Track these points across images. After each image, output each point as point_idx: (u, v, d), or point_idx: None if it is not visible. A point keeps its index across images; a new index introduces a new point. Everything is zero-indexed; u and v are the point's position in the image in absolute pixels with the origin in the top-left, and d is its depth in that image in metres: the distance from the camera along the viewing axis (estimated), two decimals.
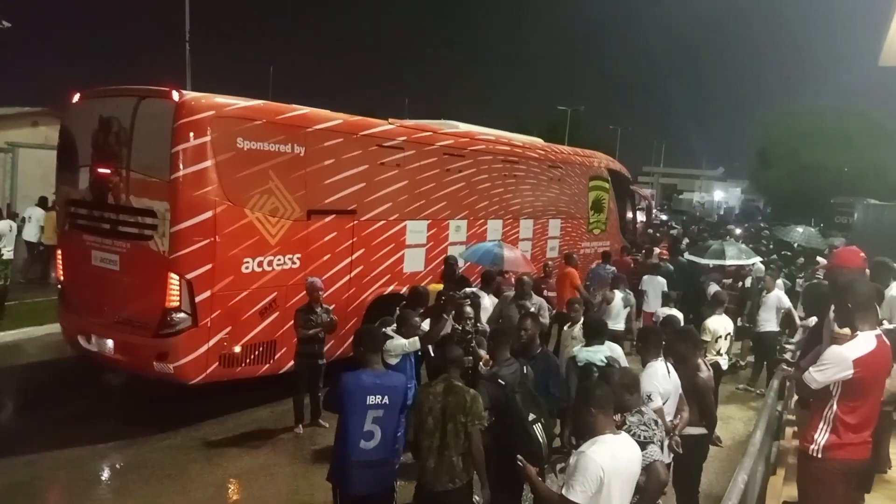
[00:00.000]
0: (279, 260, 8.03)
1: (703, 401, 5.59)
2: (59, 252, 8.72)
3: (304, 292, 7.83)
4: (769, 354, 10.39)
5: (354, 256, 9.07)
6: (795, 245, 18.60)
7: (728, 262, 12.70)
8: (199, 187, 7.25)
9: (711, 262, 12.72)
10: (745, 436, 7.91)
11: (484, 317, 8.27)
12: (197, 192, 7.23)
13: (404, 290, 9.59)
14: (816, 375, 4.19)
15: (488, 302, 8.76)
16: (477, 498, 5.09)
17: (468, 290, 9.16)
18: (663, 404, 5.09)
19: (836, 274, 6.15)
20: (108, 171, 7.67)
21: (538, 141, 14.44)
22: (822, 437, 4.22)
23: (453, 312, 7.37)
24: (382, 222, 9.49)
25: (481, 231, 11.56)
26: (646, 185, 56.24)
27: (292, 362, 7.95)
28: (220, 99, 7.64)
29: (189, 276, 7.21)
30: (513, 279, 9.80)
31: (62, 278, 8.59)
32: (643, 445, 3.98)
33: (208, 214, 7.28)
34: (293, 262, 8.20)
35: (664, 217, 41.46)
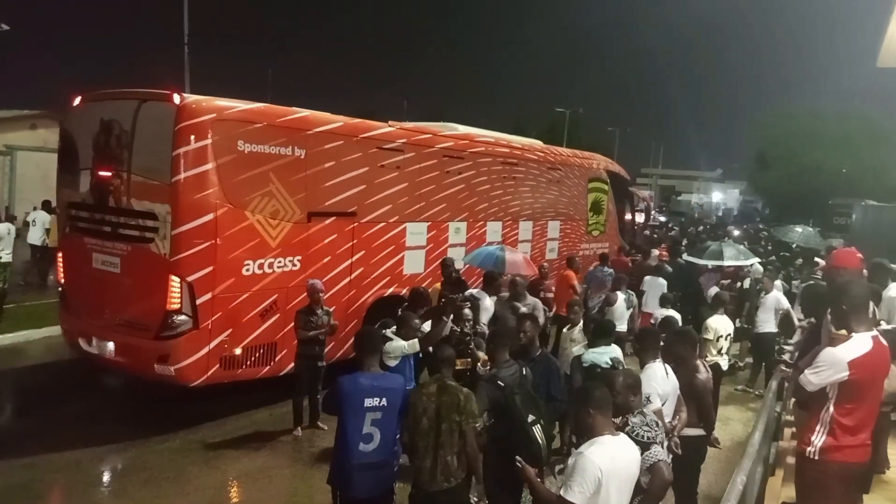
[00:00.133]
0: (280, 262, 8.06)
1: (702, 402, 5.59)
2: (60, 255, 8.73)
3: (305, 294, 7.86)
4: (767, 355, 10.43)
5: (354, 258, 9.10)
6: (794, 246, 18.62)
7: (726, 263, 12.73)
8: (200, 190, 7.27)
9: (710, 263, 12.75)
10: (743, 437, 7.94)
11: (486, 318, 8.30)
12: (198, 195, 7.26)
13: (404, 291, 9.63)
14: (811, 378, 4.17)
15: (489, 303, 8.79)
16: (475, 499, 5.13)
17: (470, 291, 9.20)
18: (662, 406, 5.10)
19: (833, 275, 6.17)
20: (109, 173, 7.69)
21: (537, 143, 14.48)
22: (818, 439, 4.19)
23: (452, 315, 7.40)
24: (382, 224, 9.52)
25: (481, 233, 11.60)
26: (644, 186, 56.26)
27: (292, 364, 7.97)
28: (221, 102, 7.66)
29: (190, 279, 7.24)
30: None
31: (63, 281, 8.61)
32: (647, 446, 4.00)
33: (209, 217, 7.31)
34: (294, 265, 8.23)
35: (662, 218, 41.48)
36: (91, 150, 7.90)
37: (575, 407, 4.00)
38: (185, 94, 7.48)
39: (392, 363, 6.32)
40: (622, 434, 3.79)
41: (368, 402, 4.48)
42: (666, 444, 4.64)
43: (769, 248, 20.32)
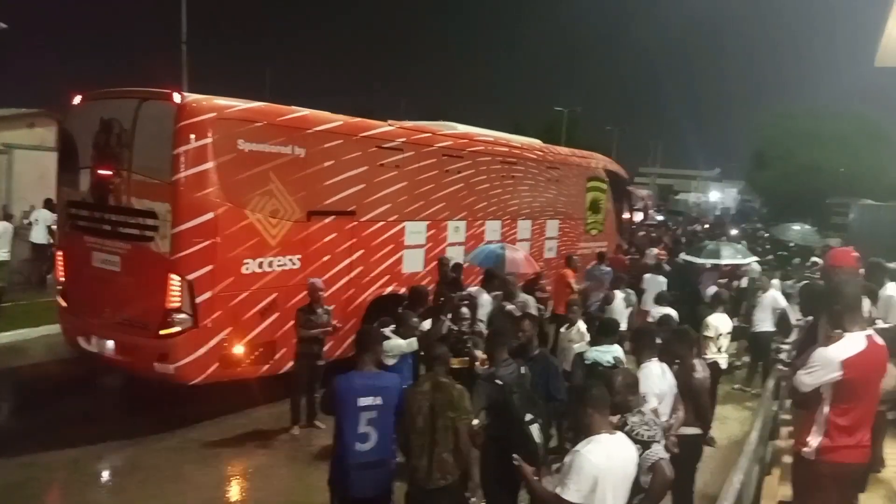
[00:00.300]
0: (279, 261, 8.08)
1: (699, 401, 5.61)
2: (60, 253, 8.74)
3: (304, 293, 7.88)
4: (764, 354, 10.46)
5: (354, 257, 9.12)
6: (791, 244, 18.66)
7: (724, 262, 12.76)
8: (200, 189, 7.29)
9: (708, 262, 12.78)
10: (740, 436, 7.94)
11: (482, 314, 8.34)
12: (198, 194, 7.28)
13: (403, 290, 9.66)
14: (805, 378, 4.17)
15: (486, 299, 8.87)
16: (474, 499, 5.14)
17: (471, 289, 9.25)
18: (658, 405, 5.11)
19: (830, 274, 6.18)
20: (109, 172, 7.71)
21: (536, 142, 14.50)
22: (815, 439, 4.19)
23: (450, 313, 7.43)
24: (382, 223, 9.54)
25: (480, 232, 11.63)
26: (643, 185, 56.31)
27: (292, 363, 7.99)
28: (221, 101, 7.69)
29: (190, 277, 7.26)
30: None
31: (63, 279, 8.62)
32: (647, 445, 4.01)
33: (209, 216, 7.33)
34: (293, 263, 8.25)
35: (660, 217, 41.52)
36: (91, 149, 7.91)
37: (573, 405, 4.03)
38: (185, 93, 7.50)
39: (391, 362, 6.36)
40: (619, 433, 3.80)
41: (363, 402, 4.48)
42: (662, 443, 4.67)
43: (767, 247, 20.38)
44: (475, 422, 4.79)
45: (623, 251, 16.15)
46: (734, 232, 25.44)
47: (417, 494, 4.62)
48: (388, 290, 9.77)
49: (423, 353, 6.65)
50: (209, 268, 7.38)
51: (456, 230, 11.06)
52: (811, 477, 4.31)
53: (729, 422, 9.18)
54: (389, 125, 9.94)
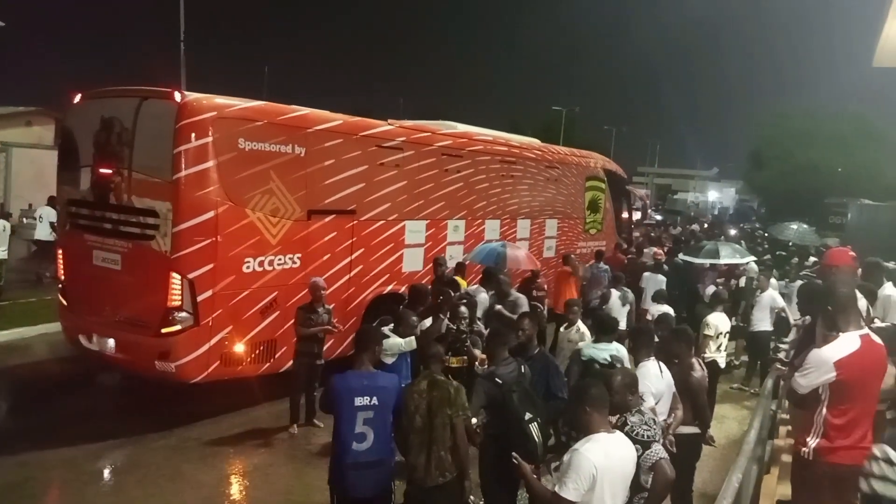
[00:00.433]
0: (280, 259, 8.10)
1: (697, 400, 5.62)
2: (60, 252, 8.75)
3: (305, 291, 7.91)
4: (763, 354, 10.50)
5: (354, 256, 9.14)
6: (789, 243, 18.67)
7: (723, 262, 12.80)
8: (201, 187, 7.31)
9: (707, 262, 12.81)
10: (739, 435, 7.97)
11: (480, 311, 8.35)
12: (199, 193, 7.30)
13: (403, 289, 9.68)
14: (800, 380, 4.17)
15: (484, 297, 8.91)
16: (472, 498, 5.16)
17: (469, 288, 9.27)
18: (655, 404, 5.11)
19: (827, 273, 6.21)
20: (109, 171, 7.72)
21: (535, 141, 14.51)
22: (813, 440, 4.19)
23: (448, 312, 7.43)
24: (382, 222, 9.56)
25: (479, 231, 11.65)
26: (641, 185, 56.37)
27: (292, 361, 8.01)
28: (222, 100, 7.70)
29: (191, 276, 7.27)
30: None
31: (63, 278, 8.63)
32: (647, 445, 4.02)
33: (210, 214, 7.35)
34: (293, 262, 8.27)
35: (658, 217, 41.55)
36: (92, 148, 7.92)
37: (571, 404, 4.04)
38: (185, 92, 7.51)
39: (389, 360, 6.34)
40: (618, 432, 3.82)
41: (359, 402, 4.48)
42: (660, 442, 4.68)
43: (766, 246, 20.39)
44: (474, 420, 4.81)
45: (623, 250, 16.17)
46: (733, 232, 25.46)
47: (416, 493, 4.64)
48: (388, 288, 9.79)
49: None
50: (210, 266, 7.39)
51: (455, 229, 11.08)
52: (809, 477, 4.31)
53: (727, 421, 9.21)
54: (389, 124, 9.96)
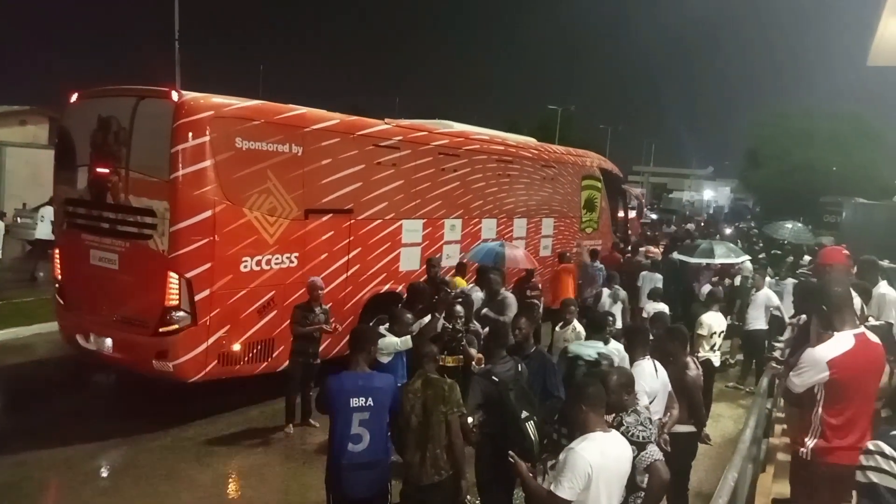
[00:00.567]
0: (277, 259, 8.11)
1: (692, 399, 5.63)
2: (57, 251, 8.73)
3: (302, 291, 7.91)
4: (758, 352, 10.53)
5: (351, 255, 9.15)
6: (784, 242, 18.70)
7: (717, 261, 12.84)
8: (199, 187, 7.31)
9: (703, 262, 12.85)
10: (734, 434, 8.00)
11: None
12: (196, 192, 7.30)
13: (400, 288, 9.70)
14: (795, 380, 4.17)
15: (480, 296, 8.93)
16: (469, 497, 5.18)
17: (464, 288, 9.28)
18: (650, 403, 5.09)
19: (822, 272, 6.22)
20: (107, 170, 7.71)
21: (531, 140, 14.54)
22: (811, 441, 4.17)
23: (444, 312, 7.44)
24: (379, 221, 9.57)
25: (476, 230, 11.67)
26: (636, 184, 56.44)
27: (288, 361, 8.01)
28: (219, 99, 7.71)
29: (188, 275, 7.28)
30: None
31: (60, 277, 8.62)
32: (642, 446, 4.00)
33: (207, 214, 7.35)
34: (291, 261, 8.28)
35: (654, 216, 41.65)
36: (89, 147, 7.92)
37: (568, 403, 4.05)
38: (183, 92, 7.50)
39: (385, 360, 6.35)
40: (614, 431, 3.82)
41: (354, 403, 4.47)
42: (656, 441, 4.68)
43: (760, 244, 20.45)
44: (470, 420, 4.82)
45: (619, 249, 16.23)
46: (728, 231, 25.53)
47: (412, 491, 4.65)
48: (385, 287, 9.80)
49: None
50: (207, 265, 7.40)
51: (452, 228, 11.10)
52: (808, 478, 4.31)
53: (723, 419, 9.24)
54: (386, 124, 9.97)
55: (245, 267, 7.77)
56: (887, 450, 3.29)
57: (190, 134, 7.25)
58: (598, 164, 16.75)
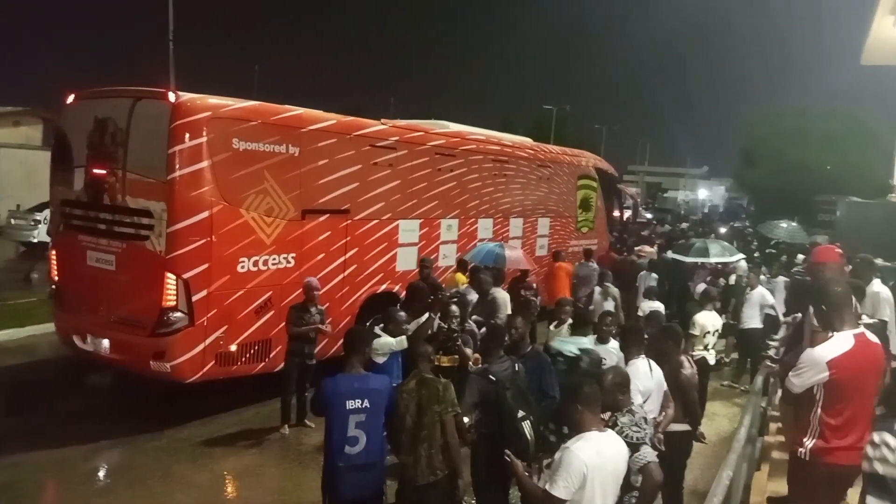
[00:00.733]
0: (274, 259, 8.12)
1: (687, 397, 5.65)
2: (54, 252, 8.73)
3: (299, 291, 7.93)
4: (753, 351, 10.57)
5: (348, 255, 9.17)
6: (777, 241, 18.73)
7: (713, 260, 12.89)
8: (196, 188, 7.32)
9: (699, 261, 12.89)
10: (729, 432, 8.02)
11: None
12: (193, 193, 7.31)
13: (397, 288, 9.72)
14: (794, 380, 4.15)
15: (475, 297, 8.92)
16: (465, 497, 5.20)
17: (459, 288, 9.30)
18: (644, 402, 5.09)
19: (815, 270, 6.25)
20: (103, 171, 7.72)
21: (527, 140, 14.58)
22: (810, 441, 4.16)
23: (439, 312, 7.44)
24: (375, 221, 9.60)
25: (472, 230, 11.70)
26: (631, 183, 56.50)
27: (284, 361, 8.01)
28: (216, 100, 7.72)
29: (186, 276, 7.29)
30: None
31: (57, 278, 8.61)
32: (636, 447, 4.01)
33: (205, 214, 7.36)
34: (288, 262, 8.29)
35: (649, 215, 41.72)
36: (85, 148, 7.92)
37: (563, 402, 4.06)
38: (179, 93, 7.52)
39: (380, 360, 6.35)
40: (610, 430, 3.84)
41: (351, 405, 4.46)
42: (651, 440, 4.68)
43: (755, 244, 20.50)
44: (466, 420, 4.83)
45: (616, 249, 16.30)
46: (723, 230, 25.57)
47: (408, 491, 4.66)
48: (382, 288, 9.82)
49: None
50: (204, 266, 7.41)
51: (449, 228, 11.13)
52: (806, 478, 4.30)
53: (718, 418, 9.27)
54: (382, 124, 9.99)
55: (242, 267, 7.78)
56: (892, 441, 3.35)
57: (187, 135, 7.26)
58: (593, 163, 16.79)
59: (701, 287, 11.05)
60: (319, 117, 8.82)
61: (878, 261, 8.31)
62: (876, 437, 3.54)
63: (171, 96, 7.37)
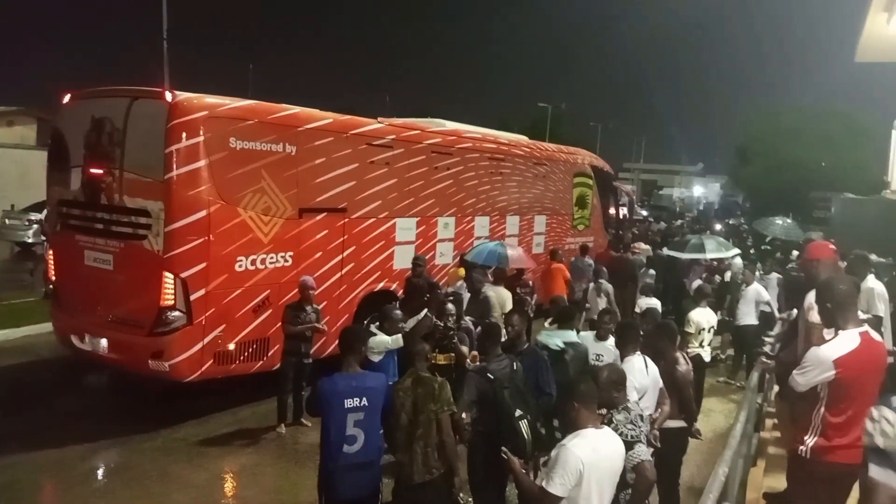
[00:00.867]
0: (272, 258, 8.14)
1: (682, 394, 5.66)
2: (51, 252, 8.74)
3: (296, 290, 7.94)
4: (749, 348, 10.61)
5: (345, 254, 9.19)
6: (772, 237, 18.78)
7: (709, 256, 12.94)
8: (193, 187, 7.34)
9: (695, 257, 12.93)
10: (725, 428, 8.07)
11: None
12: (191, 192, 7.32)
13: (395, 286, 9.74)
14: (798, 378, 4.10)
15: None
16: (461, 495, 5.22)
17: (455, 286, 9.32)
18: (639, 399, 5.10)
19: (809, 267, 6.25)
20: (101, 171, 7.72)
21: (523, 138, 14.60)
22: (811, 439, 4.13)
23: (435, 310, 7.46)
24: (372, 220, 9.62)
25: (469, 228, 11.73)
26: (627, 181, 56.58)
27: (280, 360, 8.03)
28: (213, 99, 7.73)
29: (184, 275, 7.30)
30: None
31: (54, 278, 8.62)
32: (630, 445, 4.01)
33: (202, 214, 7.38)
34: (285, 260, 8.31)
35: (644, 213, 41.80)
36: (82, 148, 7.92)
37: (560, 400, 4.08)
38: (176, 92, 7.52)
39: (376, 358, 6.36)
40: (606, 427, 3.85)
41: (349, 403, 4.45)
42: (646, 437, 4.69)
43: (750, 241, 20.57)
44: (463, 416, 4.85)
45: (613, 246, 16.36)
46: (718, 227, 25.64)
47: (403, 490, 4.68)
48: (380, 286, 9.85)
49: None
50: (202, 265, 7.42)
51: (445, 226, 11.16)
52: (806, 477, 4.29)
53: (714, 414, 9.31)
54: (379, 122, 10.01)
55: (240, 266, 7.80)
56: (891, 416, 3.43)
57: (184, 134, 7.27)
58: (589, 161, 16.82)
59: (696, 283, 11.11)
60: (316, 116, 8.83)
61: (873, 257, 8.36)
62: (875, 412, 3.59)
63: (168, 96, 7.37)
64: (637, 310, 9.98)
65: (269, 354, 8.21)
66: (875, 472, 3.63)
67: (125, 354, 7.73)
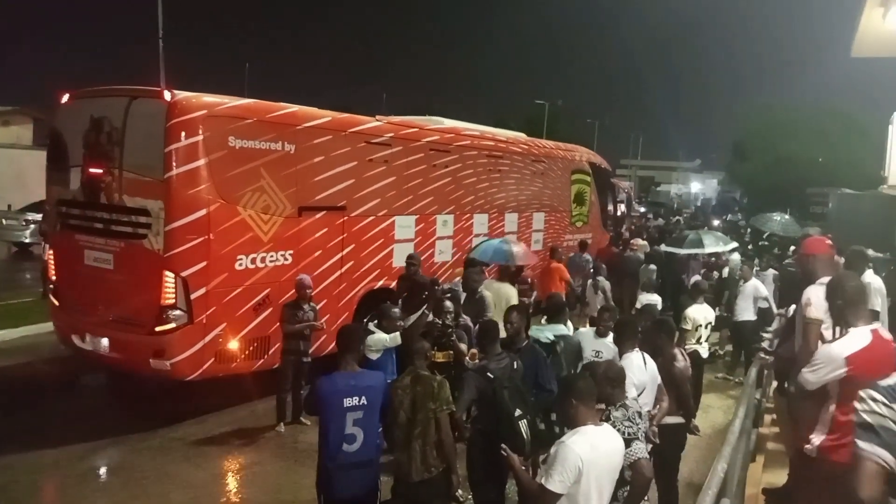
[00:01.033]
0: (272, 256, 8.16)
1: (680, 390, 5.69)
2: (51, 252, 8.74)
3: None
4: (747, 343, 10.63)
5: (345, 252, 9.21)
6: (769, 233, 18.82)
7: (707, 251, 12.95)
8: (193, 186, 7.35)
9: (693, 252, 12.96)
10: (724, 424, 8.07)
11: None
12: (190, 191, 7.34)
13: (394, 284, 9.76)
14: (809, 376, 4.05)
15: None
16: (460, 492, 5.25)
17: (452, 283, 9.34)
18: (638, 395, 5.10)
19: (805, 262, 6.27)
20: (100, 170, 7.73)
21: (521, 136, 14.62)
22: (818, 438, 4.08)
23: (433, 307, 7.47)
24: (371, 218, 9.64)
25: (468, 225, 11.75)
26: (624, 177, 56.62)
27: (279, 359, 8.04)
28: (211, 98, 7.74)
29: (184, 274, 7.32)
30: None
31: (54, 278, 8.62)
32: (628, 443, 3.99)
33: (202, 212, 7.39)
34: (285, 259, 8.33)
35: (642, 209, 41.85)
36: (81, 148, 7.93)
37: (559, 397, 4.09)
38: (175, 91, 7.53)
39: (374, 356, 6.38)
40: (606, 424, 3.86)
41: (348, 402, 4.44)
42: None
43: (748, 236, 20.60)
44: (463, 415, 4.88)
45: (615, 244, 16.42)
46: (716, 223, 25.69)
47: (402, 488, 4.69)
48: (379, 284, 9.86)
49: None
50: (203, 264, 7.44)
51: (444, 224, 11.18)
52: (812, 475, 4.26)
53: (712, 410, 9.33)
54: (377, 121, 10.02)
55: (240, 265, 7.81)
56: (878, 396, 3.71)
57: (183, 133, 7.28)
58: (586, 158, 16.85)
59: (695, 279, 11.15)
60: (315, 114, 8.84)
61: (870, 251, 8.39)
62: (863, 393, 3.72)
63: (167, 95, 7.39)
64: (637, 306, 10.02)
65: (270, 353, 8.23)
66: (863, 445, 3.83)
67: (126, 354, 7.75)
